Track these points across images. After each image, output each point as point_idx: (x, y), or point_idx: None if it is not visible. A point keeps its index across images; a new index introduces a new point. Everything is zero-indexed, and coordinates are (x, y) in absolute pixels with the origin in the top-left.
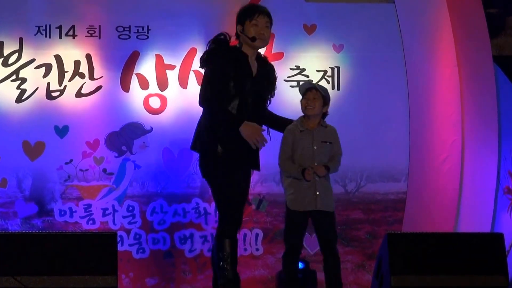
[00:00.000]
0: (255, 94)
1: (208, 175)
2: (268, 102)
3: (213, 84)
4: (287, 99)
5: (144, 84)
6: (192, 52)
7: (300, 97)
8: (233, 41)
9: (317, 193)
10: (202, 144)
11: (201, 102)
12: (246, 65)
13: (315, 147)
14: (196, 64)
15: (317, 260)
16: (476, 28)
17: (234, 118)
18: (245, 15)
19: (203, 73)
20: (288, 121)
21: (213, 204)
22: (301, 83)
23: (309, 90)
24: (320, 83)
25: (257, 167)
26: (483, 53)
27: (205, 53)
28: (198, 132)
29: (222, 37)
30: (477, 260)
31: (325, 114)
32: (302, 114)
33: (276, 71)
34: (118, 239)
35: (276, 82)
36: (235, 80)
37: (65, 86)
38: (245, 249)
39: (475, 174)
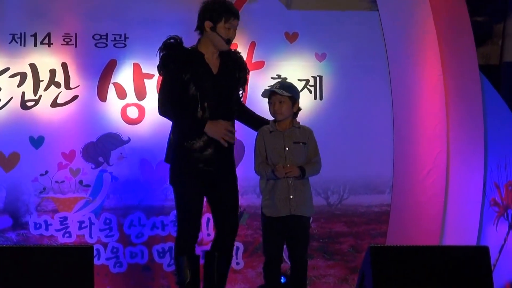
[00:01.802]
0: (219, 92)
1: (174, 184)
2: (240, 96)
3: (168, 91)
4: (266, 108)
5: (121, 94)
6: None
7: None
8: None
9: (291, 196)
10: (171, 154)
11: (159, 112)
12: (204, 65)
13: (286, 148)
14: None
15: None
16: (462, 37)
17: (196, 121)
18: (221, 14)
19: None
20: (266, 121)
21: None
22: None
23: (273, 94)
24: (301, 93)
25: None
26: (469, 62)
27: (159, 61)
28: (169, 143)
29: (172, 40)
30: (463, 273)
31: (297, 112)
32: None
33: (245, 62)
34: (95, 252)
35: (247, 76)
36: (194, 82)
37: (40, 96)
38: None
39: (461, 186)
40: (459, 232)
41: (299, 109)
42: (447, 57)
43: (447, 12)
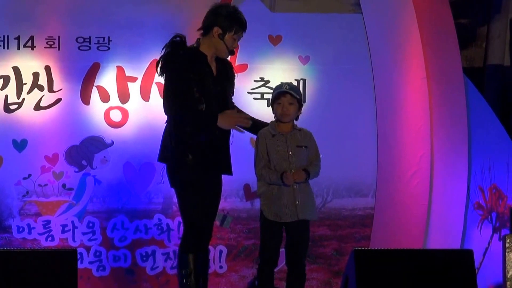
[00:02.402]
0: (218, 93)
1: (177, 184)
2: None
3: (177, 91)
4: (251, 111)
5: (105, 97)
6: (155, 64)
7: (265, 107)
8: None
9: (297, 202)
10: (171, 154)
11: (167, 112)
12: (207, 66)
13: (290, 153)
14: (158, 77)
15: (281, 277)
16: (446, 39)
17: (208, 116)
18: (232, 25)
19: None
20: (256, 120)
21: (176, 220)
22: (272, 92)
23: (283, 95)
24: None
25: (229, 171)
26: (453, 65)
27: (161, 59)
28: (165, 142)
29: (178, 39)
30: (447, 277)
31: (298, 117)
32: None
33: (233, 68)
34: (78, 256)
35: (234, 80)
36: (197, 82)
37: (23, 99)
38: (209, 267)
39: (445, 189)
40: (443, 236)
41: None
42: (431, 59)
43: (431, 15)
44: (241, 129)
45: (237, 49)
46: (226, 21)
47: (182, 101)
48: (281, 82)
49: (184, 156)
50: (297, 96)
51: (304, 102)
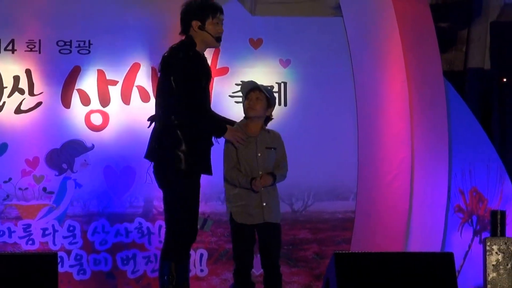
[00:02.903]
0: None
1: (167, 185)
2: None
3: (189, 94)
4: (231, 115)
5: (85, 100)
6: (135, 67)
7: None
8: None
9: (264, 204)
10: (162, 156)
11: (175, 113)
12: (208, 67)
13: (259, 154)
14: (139, 80)
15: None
16: (426, 43)
17: (219, 126)
18: (207, 11)
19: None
20: (230, 122)
21: (157, 223)
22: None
23: (252, 91)
24: None
25: (210, 171)
26: (434, 68)
27: (172, 59)
28: (154, 143)
29: (188, 40)
30: (427, 280)
31: (268, 118)
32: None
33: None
34: (59, 260)
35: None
36: (204, 85)
37: (4, 102)
38: (189, 270)
39: (425, 192)
40: (424, 239)
41: (271, 117)
42: (412, 63)
43: (412, 19)
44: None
45: (217, 52)
46: (200, 11)
47: (194, 106)
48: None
49: (176, 161)
50: (266, 93)
51: (285, 105)
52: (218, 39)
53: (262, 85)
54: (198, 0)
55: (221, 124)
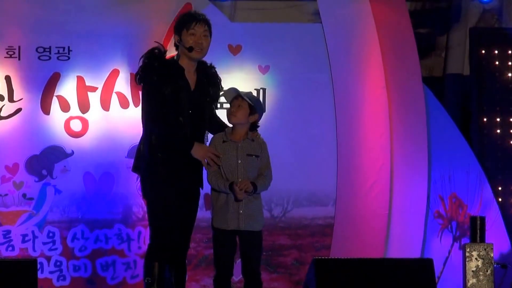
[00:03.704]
0: (194, 108)
1: (148, 196)
2: (214, 111)
3: (154, 105)
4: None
5: (65, 107)
6: (115, 73)
7: (225, 117)
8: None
9: (240, 211)
10: (143, 165)
11: (144, 123)
12: (183, 79)
13: (239, 161)
14: (118, 86)
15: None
16: (405, 49)
17: (184, 142)
18: (182, 24)
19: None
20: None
21: (137, 229)
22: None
23: (235, 98)
24: None
25: (200, 184)
26: (413, 74)
27: (139, 69)
28: (140, 153)
29: (156, 51)
30: (407, 286)
31: (254, 125)
32: None
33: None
34: (38, 266)
35: (220, 93)
36: (173, 97)
37: None
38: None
39: (405, 198)
40: (403, 245)
41: (257, 125)
42: (391, 69)
43: (391, 25)
44: (207, 165)
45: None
46: (176, 25)
47: (156, 115)
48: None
49: (156, 167)
50: (248, 100)
51: (264, 111)
52: (189, 49)
53: (246, 93)
54: (180, 15)
55: (185, 141)
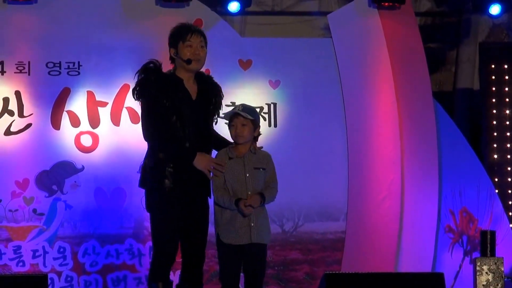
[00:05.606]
0: (197, 118)
1: (151, 209)
2: (214, 123)
3: (153, 119)
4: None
5: (75, 122)
6: (125, 88)
7: None
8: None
9: (252, 224)
10: (148, 179)
11: (145, 138)
12: (183, 90)
13: (247, 175)
14: (129, 101)
15: None
16: (415, 63)
17: (186, 153)
18: (178, 36)
19: (139, 107)
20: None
21: (148, 244)
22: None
23: (235, 117)
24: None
25: (209, 193)
26: (423, 89)
27: (136, 85)
28: (144, 168)
29: (152, 65)
30: None
31: (257, 137)
32: None
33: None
34: (49, 281)
35: (222, 101)
36: (174, 108)
37: None
38: None
39: (415, 213)
40: (414, 259)
41: (259, 134)
42: (401, 83)
43: (401, 39)
44: (210, 175)
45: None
46: (171, 39)
47: (158, 131)
48: (235, 105)
49: (160, 182)
50: (250, 117)
51: (275, 126)
52: (188, 62)
53: (244, 108)
54: (175, 27)
55: (188, 152)
